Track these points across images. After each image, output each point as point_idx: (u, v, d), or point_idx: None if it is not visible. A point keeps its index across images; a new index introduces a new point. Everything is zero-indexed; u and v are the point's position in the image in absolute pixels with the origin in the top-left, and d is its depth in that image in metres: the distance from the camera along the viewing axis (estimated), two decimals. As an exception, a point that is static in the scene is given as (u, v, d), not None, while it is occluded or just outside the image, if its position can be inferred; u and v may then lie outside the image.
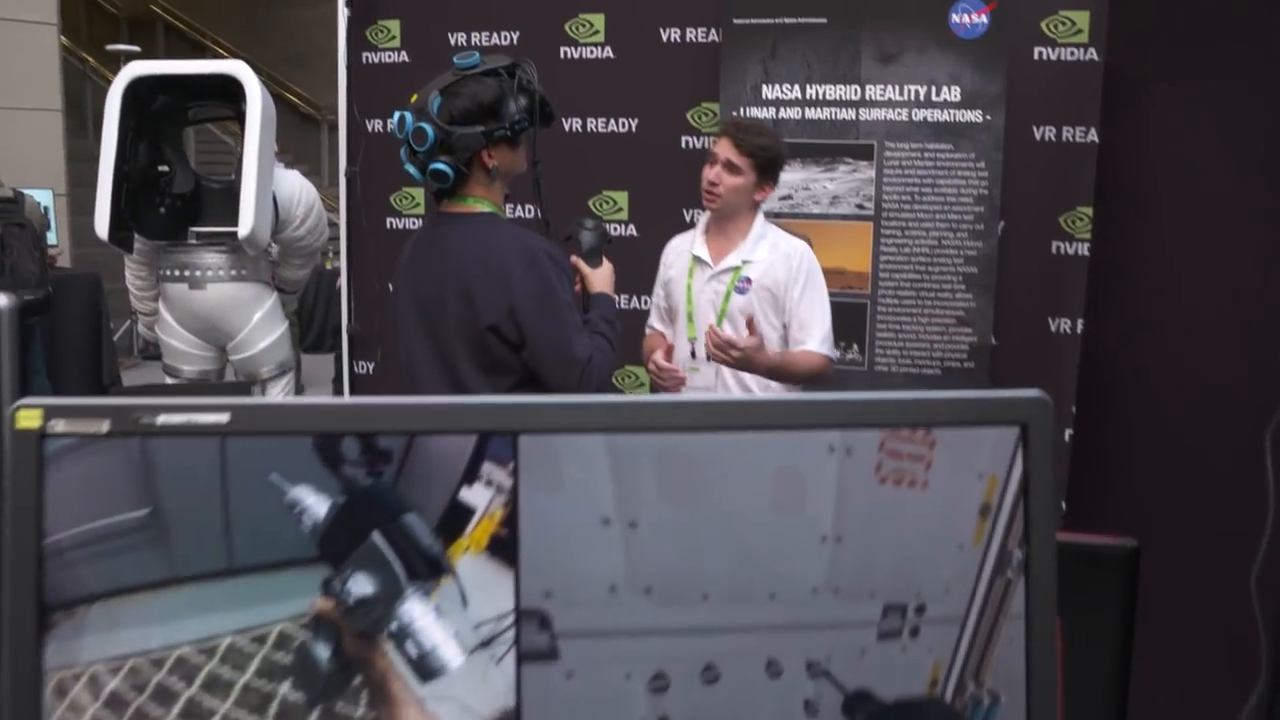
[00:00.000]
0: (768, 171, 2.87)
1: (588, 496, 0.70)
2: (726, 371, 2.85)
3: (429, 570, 0.68)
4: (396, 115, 2.30)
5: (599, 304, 2.46)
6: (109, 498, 0.65)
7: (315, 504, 0.66)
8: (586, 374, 2.29)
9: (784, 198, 3.49)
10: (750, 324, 2.73)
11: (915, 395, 0.75)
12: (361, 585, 0.67)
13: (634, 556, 0.71)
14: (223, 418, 0.64)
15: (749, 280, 2.88)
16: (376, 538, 0.68)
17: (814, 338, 2.87)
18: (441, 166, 2.27)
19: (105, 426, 0.64)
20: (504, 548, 0.68)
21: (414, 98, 2.30)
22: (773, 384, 2.87)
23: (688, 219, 3.68)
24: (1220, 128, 3.18)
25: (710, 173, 2.85)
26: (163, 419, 0.64)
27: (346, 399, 0.66)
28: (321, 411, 0.66)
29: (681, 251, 3.02)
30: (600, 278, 2.50)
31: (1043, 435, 0.76)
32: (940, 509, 0.76)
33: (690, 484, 0.72)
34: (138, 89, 4.17)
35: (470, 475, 0.67)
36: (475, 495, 0.68)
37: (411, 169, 2.33)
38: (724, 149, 2.84)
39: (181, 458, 0.65)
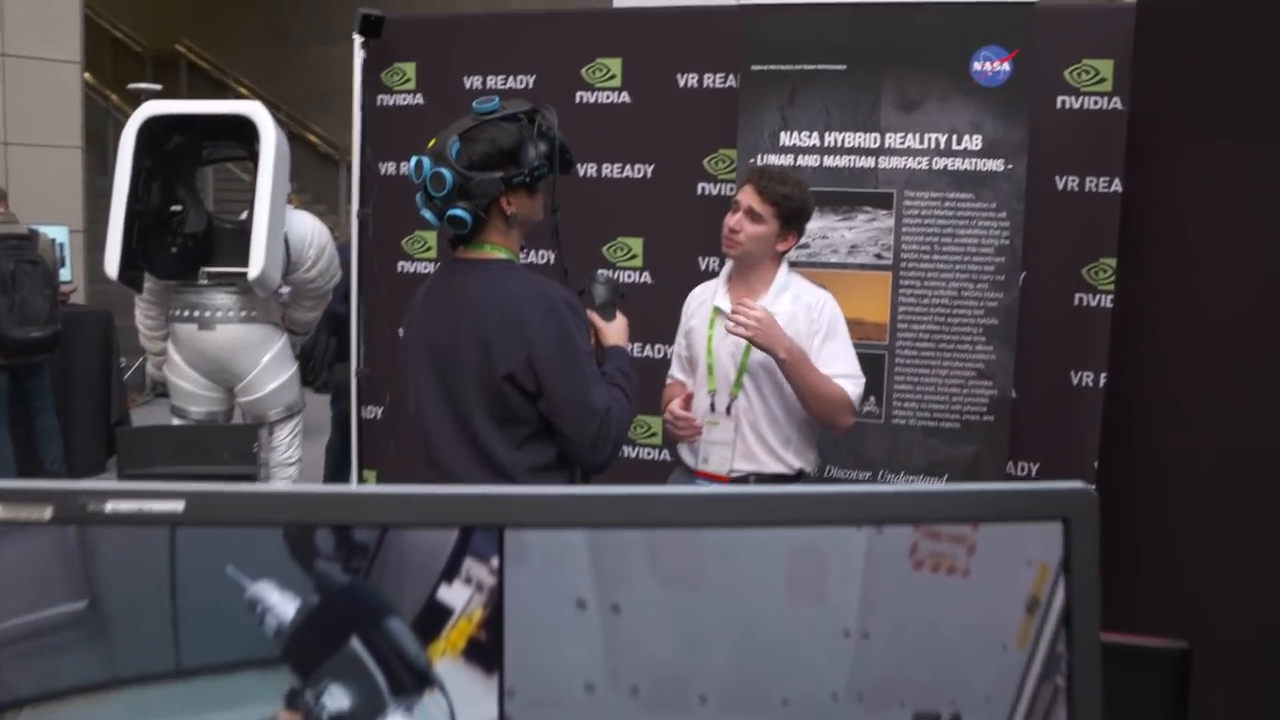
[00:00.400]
0: (791, 221, 2.78)
1: (567, 580, 0.63)
2: (745, 425, 2.77)
3: (414, 683, 0.61)
4: (414, 160, 2.24)
5: (613, 356, 2.40)
6: (46, 590, 0.58)
7: (280, 602, 0.60)
8: (605, 425, 2.22)
9: (801, 246, 3.42)
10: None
11: (947, 490, 0.68)
12: (338, 699, 0.60)
13: (616, 648, 0.63)
14: (177, 506, 0.58)
15: None
16: (355, 644, 0.61)
17: (846, 382, 2.74)
18: (459, 213, 2.20)
19: (48, 513, 0.58)
20: (483, 652, 0.61)
21: (432, 142, 2.25)
22: (793, 438, 2.79)
23: (703, 267, 3.63)
24: (1246, 177, 3.11)
25: (732, 219, 2.77)
26: (111, 506, 0.58)
27: (315, 486, 0.59)
28: (289, 500, 0.60)
29: (703, 301, 2.93)
30: (614, 331, 2.45)
31: (1086, 530, 0.69)
32: (982, 601, 0.68)
33: (688, 564, 0.65)
34: (152, 128, 4.17)
35: (450, 572, 0.61)
36: (454, 594, 0.61)
37: (428, 214, 2.27)
38: (747, 196, 2.76)
39: (128, 547, 0.59)
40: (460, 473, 2.25)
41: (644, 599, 0.63)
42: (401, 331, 4.00)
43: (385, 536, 0.60)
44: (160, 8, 14.64)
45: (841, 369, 2.75)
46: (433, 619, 0.61)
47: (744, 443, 2.79)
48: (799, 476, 2.84)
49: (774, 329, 2.65)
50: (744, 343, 2.76)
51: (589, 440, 2.23)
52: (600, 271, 2.59)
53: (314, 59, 13.53)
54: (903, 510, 0.67)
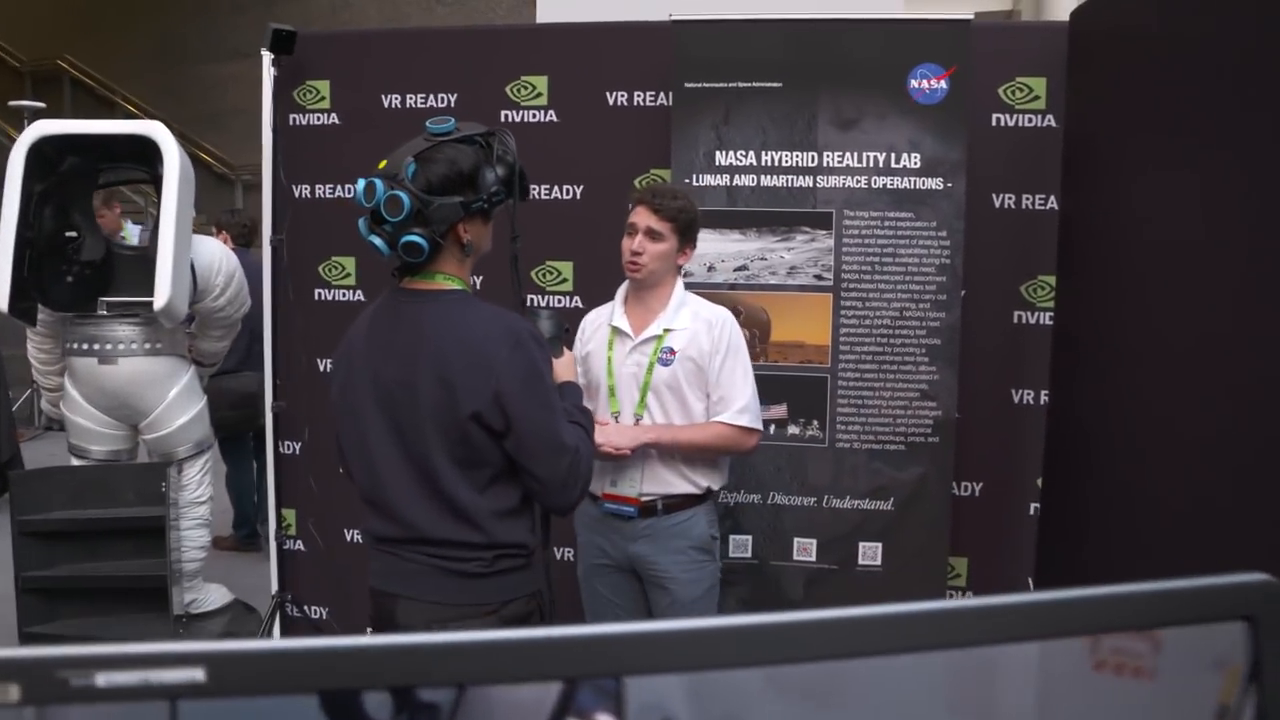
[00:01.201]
0: (688, 234, 2.81)
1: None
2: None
3: None
4: (362, 182, 2.06)
5: (568, 394, 2.28)
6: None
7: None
8: (575, 463, 2.12)
9: (739, 268, 3.34)
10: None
11: (1114, 593, 0.57)
12: None
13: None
14: (196, 674, 0.44)
15: (672, 351, 2.78)
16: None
17: (731, 408, 2.78)
18: (416, 239, 2.04)
19: (14, 694, 0.43)
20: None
21: (383, 164, 2.08)
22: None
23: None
24: (1182, 194, 3.12)
25: (632, 243, 2.76)
26: (104, 679, 0.43)
27: (370, 639, 0.45)
28: (342, 656, 0.46)
29: (599, 324, 2.93)
30: (564, 366, 2.34)
31: (1276, 629, 0.58)
32: (1170, 710, 0.58)
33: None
34: (44, 149, 3.88)
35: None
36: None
37: (377, 241, 2.08)
38: (643, 217, 2.75)
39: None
40: (416, 518, 2.11)
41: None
42: (328, 364, 3.84)
43: (463, 696, 0.47)
44: (40, 22, 14.00)
45: (735, 403, 2.79)
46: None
47: (651, 465, 2.77)
48: (707, 495, 2.86)
49: (627, 433, 2.75)
50: (646, 361, 2.79)
51: (560, 479, 2.11)
52: (541, 307, 2.48)
53: (206, 76, 13.06)
54: (1070, 621, 0.56)
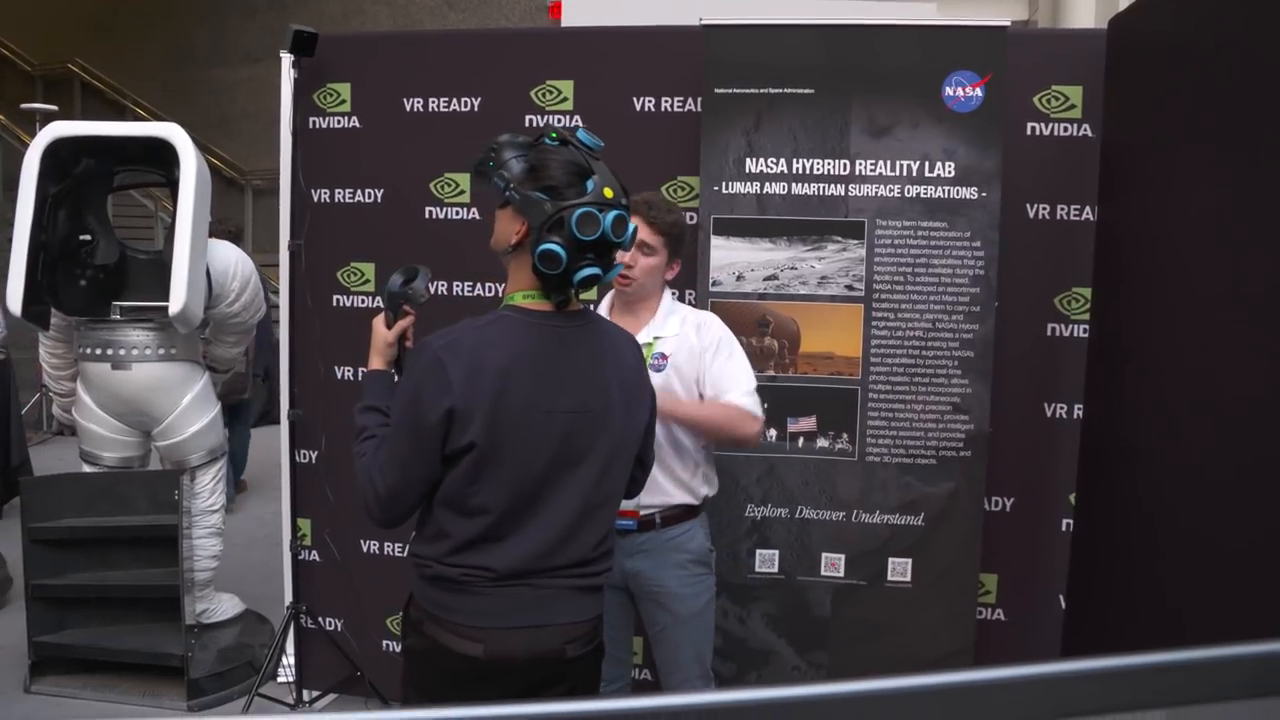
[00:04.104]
0: (677, 247, 2.78)
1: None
2: None
3: None
4: (610, 214, 1.92)
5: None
6: None
7: None
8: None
9: (769, 278, 3.28)
10: None
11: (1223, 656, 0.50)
12: None
13: None
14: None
15: (664, 356, 2.73)
16: None
17: (734, 391, 2.70)
18: (615, 262, 2.07)
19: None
20: None
21: (609, 192, 1.95)
22: (701, 463, 2.79)
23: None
24: (1221, 204, 3.05)
25: (624, 256, 2.65)
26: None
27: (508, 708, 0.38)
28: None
29: None
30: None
31: None
32: None
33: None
34: (59, 151, 3.83)
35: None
36: None
37: (597, 272, 1.97)
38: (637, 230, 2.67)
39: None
40: (574, 545, 2.06)
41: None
42: (346, 371, 3.76)
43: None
44: (51, 26, 14.00)
45: (741, 385, 2.72)
46: None
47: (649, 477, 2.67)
48: (702, 506, 2.82)
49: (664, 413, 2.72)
50: None
51: (652, 463, 2.37)
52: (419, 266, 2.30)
53: (217, 81, 13.06)
54: (1182, 690, 0.49)
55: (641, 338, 2.72)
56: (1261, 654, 0.56)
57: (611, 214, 1.92)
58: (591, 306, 3.50)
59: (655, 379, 2.68)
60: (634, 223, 2.63)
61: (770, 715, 0.49)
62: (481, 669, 2.01)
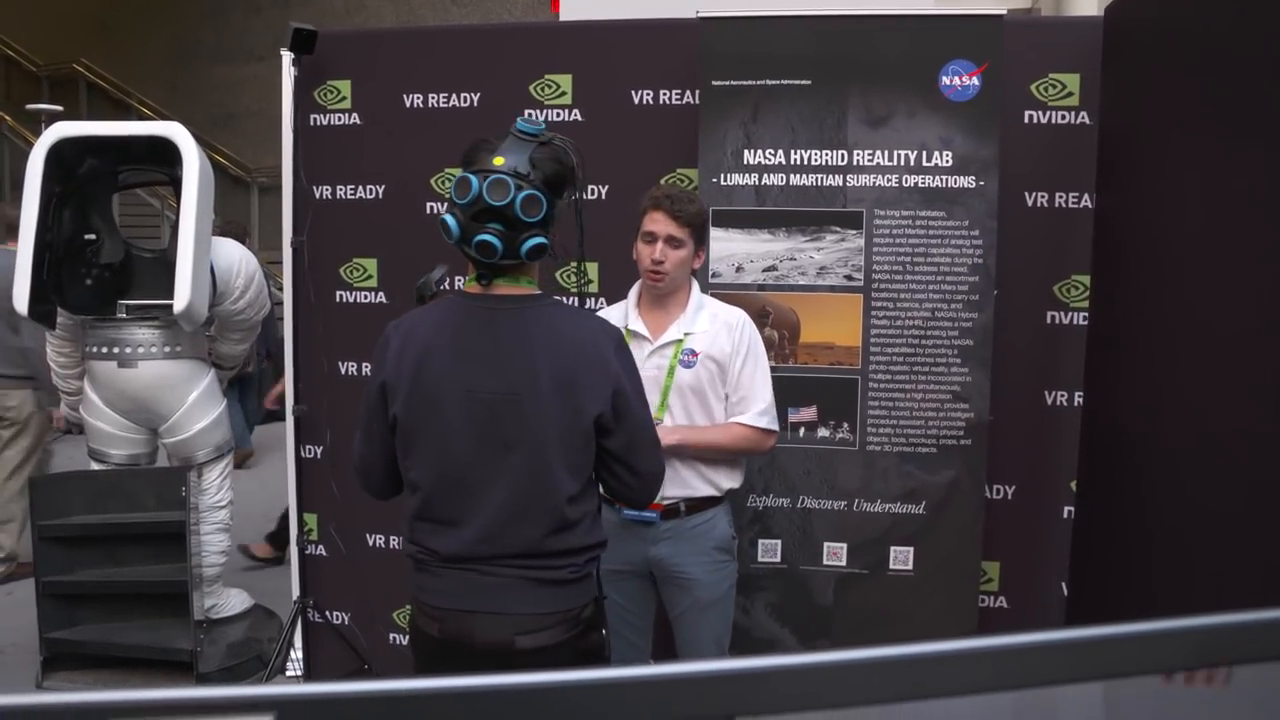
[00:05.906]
0: (702, 238, 2.83)
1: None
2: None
3: None
4: (489, 178, 1.96)
5: None
6: None
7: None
8: (663, 456, 2.27)
9: (768, 269, 3.29)
10: None
11: (1186, 627, 0.52)
12: None
13: None
14: None
15: (694, 353, 2.75)
16: None
17: (751, 410, 2.77)
18: (543, 241, 2.02)
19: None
20: None
21: (499, 160, 1.98)
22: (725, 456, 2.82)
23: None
24: (1225, 188, 3.06)
25: (653, 251, 2.71)
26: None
27: (456, 680, 0.40)
28: (424, 699, 0.41)
29: None
30: None
31: None
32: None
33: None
34: (63, 151, 3.86)
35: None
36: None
37: (495, 242, 1.97)
38: (661, 224, 2.71)
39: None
40: (513, 532, 2.06)
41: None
42: (350, 366, 3.79)
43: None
44: (57, 26, 14.04)
45: (756, 405, 2.78)
46: None
47: (673, 468, 2.69)
48: (725, 496, 2.85)
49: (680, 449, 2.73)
50: (666, 364, 2.77)
51: (658, 472, 2.22)
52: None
53: (222, 78, 13.09)
54: (1138, 659, 0.51)
55: (672, 334, 2.76)
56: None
57: (491, 178, 1.96)
58: (590, 301, 3.53)
59: (684, 375, 2.73)
60: (658, 218, 2.67)
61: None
62: (440, 650, 2.09)
